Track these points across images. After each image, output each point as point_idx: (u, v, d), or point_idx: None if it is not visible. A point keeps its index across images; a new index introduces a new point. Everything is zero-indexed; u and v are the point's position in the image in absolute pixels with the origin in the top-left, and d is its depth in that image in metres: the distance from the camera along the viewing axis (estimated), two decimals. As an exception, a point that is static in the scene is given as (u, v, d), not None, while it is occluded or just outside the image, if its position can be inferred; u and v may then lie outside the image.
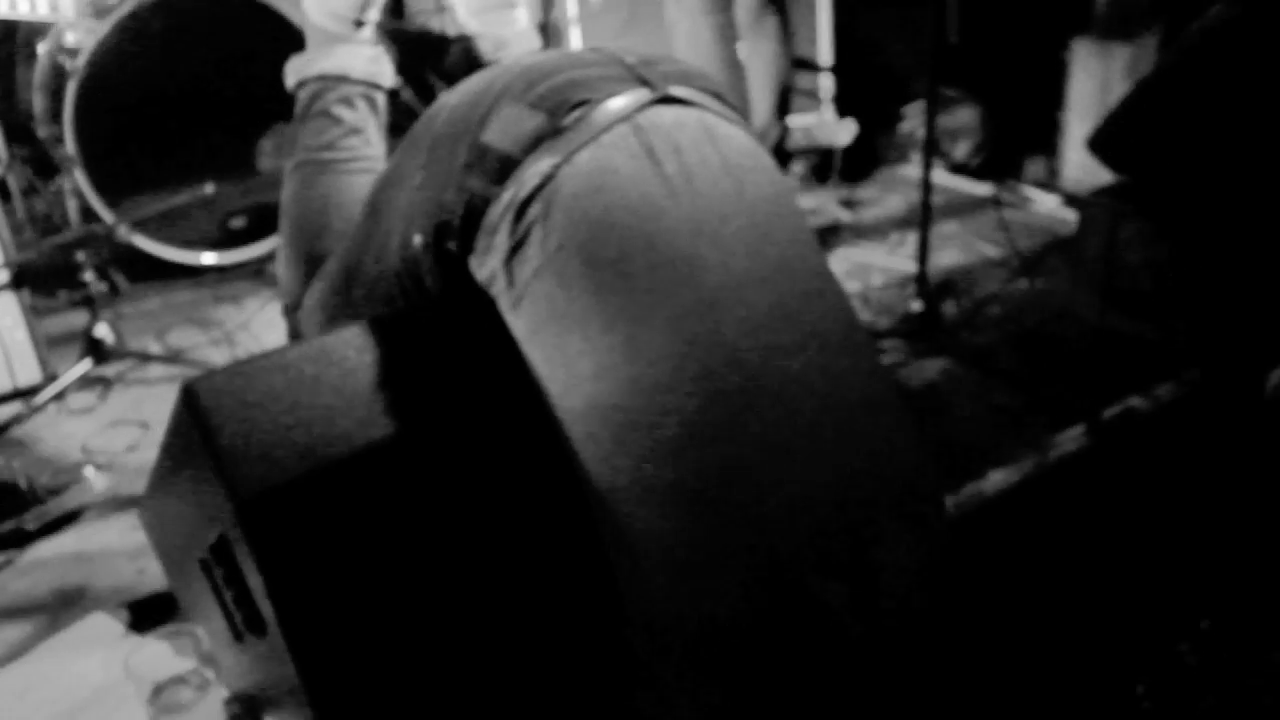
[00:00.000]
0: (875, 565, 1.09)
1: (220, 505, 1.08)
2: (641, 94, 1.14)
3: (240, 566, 1.13)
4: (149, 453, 2.03)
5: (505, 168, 1.11)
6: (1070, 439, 1.92)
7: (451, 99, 1.23)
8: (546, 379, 1.10)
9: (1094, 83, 2.90)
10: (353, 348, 1.13)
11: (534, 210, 1.08)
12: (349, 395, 1.11)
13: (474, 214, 1.12)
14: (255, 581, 1.10)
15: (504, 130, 1.13)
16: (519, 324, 1.12)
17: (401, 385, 1.14)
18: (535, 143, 1.11)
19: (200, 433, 1.05)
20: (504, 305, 1.12)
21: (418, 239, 1.18)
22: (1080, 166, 2.90)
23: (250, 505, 1.04)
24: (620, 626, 1.12)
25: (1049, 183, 3.11)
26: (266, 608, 1.10)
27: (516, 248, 1.10)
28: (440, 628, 1.15)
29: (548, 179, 1.09)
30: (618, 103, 1.13)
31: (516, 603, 1.18)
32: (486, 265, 1.12)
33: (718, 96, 1.23)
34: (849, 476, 1.11)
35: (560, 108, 1.12)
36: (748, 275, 1.11)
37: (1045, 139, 3.15)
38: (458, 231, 1.13)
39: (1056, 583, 1.97)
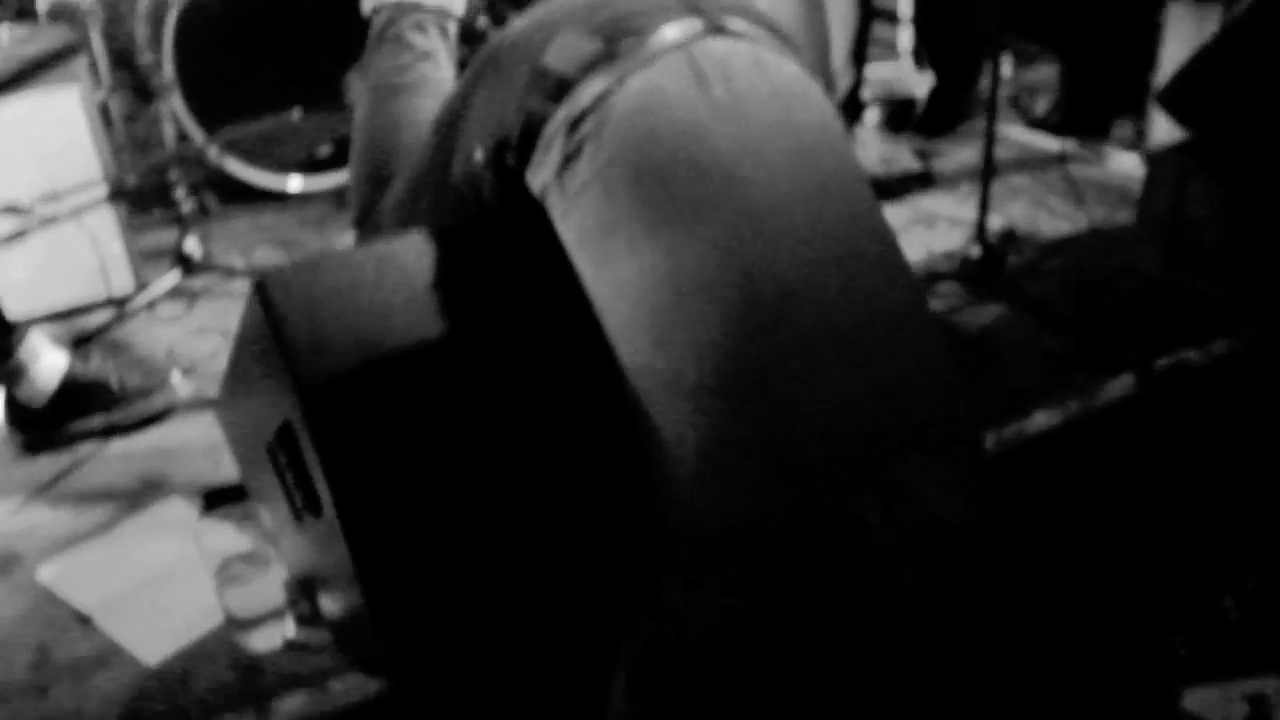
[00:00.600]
0: (908, 479, 1.13)
1: (285, 392, 1.17)
2: (695, 24, 1.20)
3: (301, 451, 1.22)
4: (229, 359, 2.16)
5: (562, 88, 1.17)
6: (1119, 386, 1.94)
7: (516, 26, 1.30)
8: (592, 284, 1.17)
9: (1186, 46, 2.82)
10: (413, 252, 1.21)
11: (586, 126, 1.15)
12: (407, 295, 1.19)
13: (531, 130, 1.19)
14: (314, 464, 1.19)
15: (562, 54, 1.20)
16: (568, 233, 1.18)
17: (457, 289, 1.22)
18: (591, 66, 1.17)
19: (269, 324, 1.14)
20: (555, 215, 1.19)
21: (479, 154, 1.25)
22: (1167, 130, 2.86)
23: (312, 391, 1.13)
24: (653, 525, 1.18)
25: (1135, 144, 3.08)
26: (323, 489, 1.19)
27: (568, 160, 1.16)
28: (483, 516, 1.23)
29: (600, 99, 1.15)
30: (671, 31, 1.18)
31: (556, 495, 1.26)
32: (540, 177, 1.19)
33: (772, 29, 1.28)
34: (883, 392, 1.15)
35: (617, 35, 1.18)
36: (790, 194, 1.16)
37: (1135, 101, 3.11)
38: (515, 146, 1.20)
39: (1099, 528, 2.00)
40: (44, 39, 2.36)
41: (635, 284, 1.13)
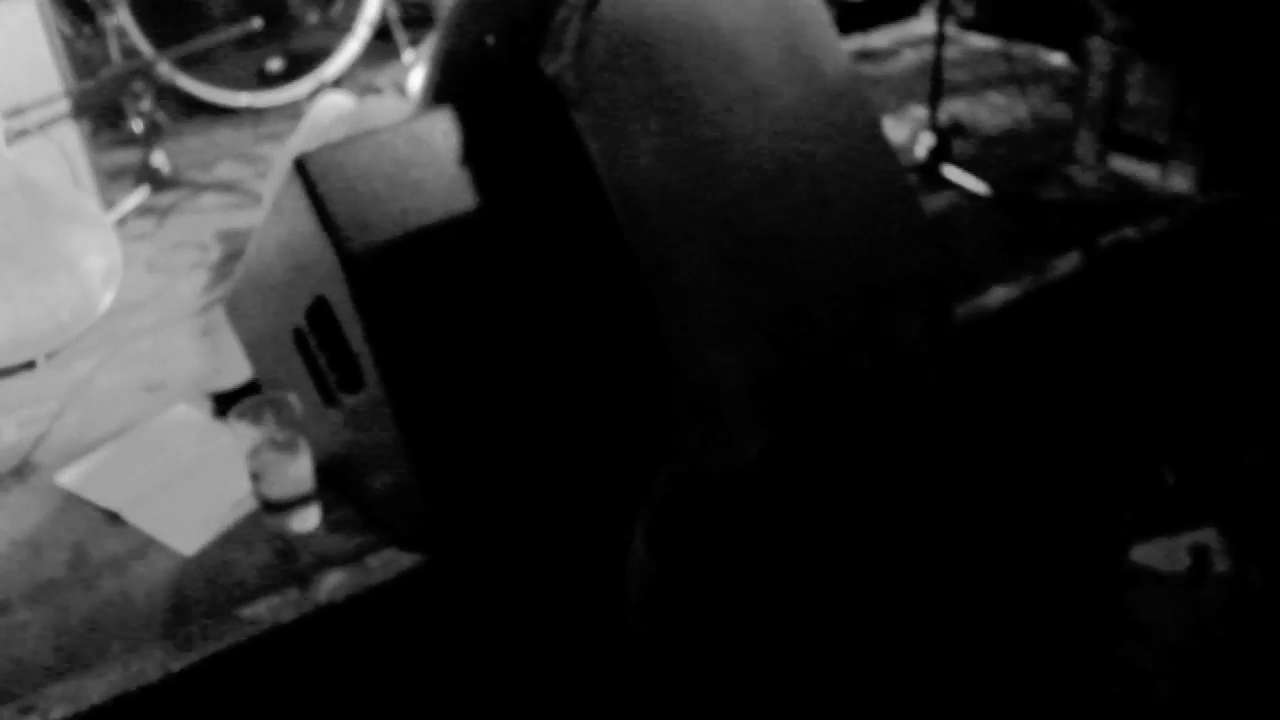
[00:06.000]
0: (893, 336, 1.26)
1: (323, 266, 1.23)
2: None
3: (338, 325, 1.29)
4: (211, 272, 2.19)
5: (572, -29, 1.24)
6: (1067, 262, 2.07)
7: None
8: (607, 163, 1.24)
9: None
10: (439, 131, 1.28)
11: (599, 11, 1.22)
12: (435, 172, 1.26)
13: (543, 15, 1.26)
14: (355, 338, 1.26)
15: (570, -60, 1.26)
16: (583, 117, 1.25)
17: (479, 165, 1.29)
18: None
19: (311, 200, 1.20)
20: (570, 98, 1.26)
21: (490, 39, 1.32)
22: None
23: (354, 261, 1.19)
24: (669, 379, 1.27)
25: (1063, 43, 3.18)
26: (367, 361, 1.26)
27: (583, 44, 1.23)
28: (517, 381, 1.31)
29: None
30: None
31: (580, 361, 1.35)
32: (557, 61, 1.25)
33: None
34: (871, 255, 1.26)
35: None
36: (783, 71, 1.26)
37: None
38: (528, 30, 1.27)
39: (1052, 395, 2.13)
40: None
41: (648, 160, 1.21)
